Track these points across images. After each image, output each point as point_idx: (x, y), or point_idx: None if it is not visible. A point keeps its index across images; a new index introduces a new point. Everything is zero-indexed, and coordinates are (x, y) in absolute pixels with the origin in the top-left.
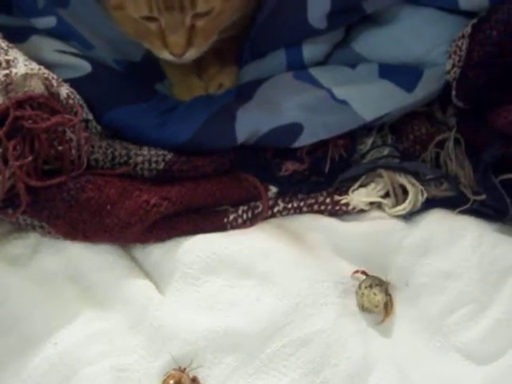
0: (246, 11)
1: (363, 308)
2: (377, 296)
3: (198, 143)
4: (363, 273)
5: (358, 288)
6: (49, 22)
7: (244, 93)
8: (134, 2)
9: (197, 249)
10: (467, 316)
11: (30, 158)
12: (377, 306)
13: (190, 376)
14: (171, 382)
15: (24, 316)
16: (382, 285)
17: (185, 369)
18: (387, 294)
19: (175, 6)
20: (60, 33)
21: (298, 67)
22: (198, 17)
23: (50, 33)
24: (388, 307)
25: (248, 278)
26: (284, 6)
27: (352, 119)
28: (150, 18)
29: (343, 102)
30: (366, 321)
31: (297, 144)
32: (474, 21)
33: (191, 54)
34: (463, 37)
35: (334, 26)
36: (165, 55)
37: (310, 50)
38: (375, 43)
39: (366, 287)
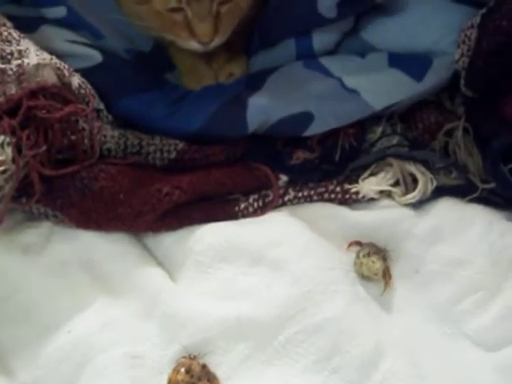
0: None
1: (363, 276)
2: (375, 264)
3: (209, 132)
4: (358, 243)
5: (356, 258)
6: (59, 11)
7: (254, 82)
8: None
9: (208, 237)
10: (477, 303)
11: (43, 148)
12: (376, 274)
13: (200, 363)
14: (182, 369)
15: (37, 304)
16: (380, 252)
17: (195, 356)
18: (385, 261)
19: None
20: (70, 23)
21: (308, 56)
22: (222, 4)
23: (61, 23)
24: (387, 275)
25: (259, 265)
26: None
27: (362, 108)
28: (176, 9)
29: (353, 91)
30: (377, 308)
31: (307, 133)
32: (483, 10)
33: (217, 42)
34: (472, 27)
35: (343, 15)
36: (191, 45)
37: (320, 39)
38: (384, 32)
39: (364, 256)
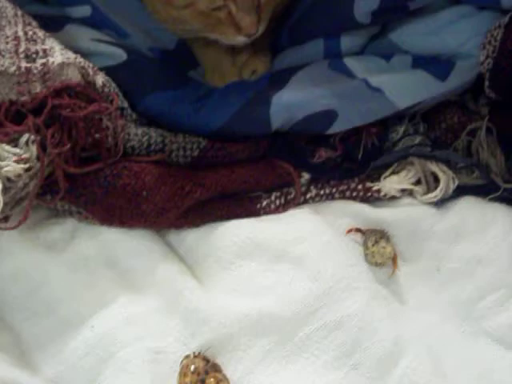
0: None
1: (376, 264)
2: (386, 248)
3: (233, 129)
4: (358, 230)
5: (365, 249)
6: (84, 10)
7: (278, 80)
8: None
9: (231, 233)
10: (498, 301)
11: (68, 146)
12: (389, 258)
13: (202, 357)
14: (188, 371)
15: (62, 300)
16: (384, 236)
17: (199, 353)
18: (390, 242)
19: None
20: (95, 21)
21: (334, 56)
22: None
23: (85, 22)
24: (395, 255)
25: (281, 262)
26: None
27: (386, 107)
28: (219, 7)
29: (377, 90)
30: (398, 305)
31: (331, 131)
32: None
33: (260, 32)
34: (499, 27)
35: (376, 21)
36: (237, 40)
37: (348, 41)
38: (412, 34)
39: (373, 245)
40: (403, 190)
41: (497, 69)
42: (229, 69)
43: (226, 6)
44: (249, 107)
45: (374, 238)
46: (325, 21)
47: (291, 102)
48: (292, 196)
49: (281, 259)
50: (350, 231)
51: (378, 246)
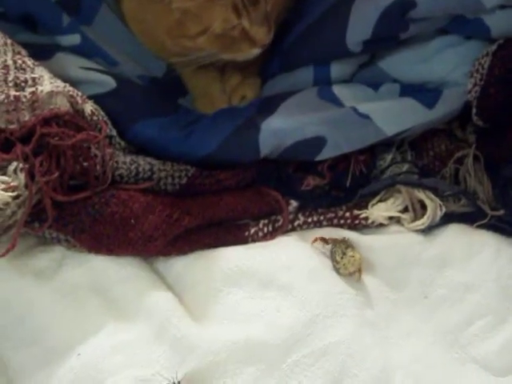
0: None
1: (350, 274)
2: (355, 256)
3: (222, 156)
4: (323, 240)
5: (335, 263)
6: (73, 39)
7: (268, 106)
8: (222, 15)
9: (219, 261)
10: (485, 328)
11: (56, 174)
12: (360, 263)
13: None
14: None
15: (49, 328)
16: (348, 244)
17: (179, 382)
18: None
19: None
20: (84, 50)
21: (324, 83)
22: (268, 2)
23: (75, 50)
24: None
25: (269, 289)
26: (324, 25)
27: (374, 133)
28: (233, 27)
29: (366, 117)
30: (386, 332)
31: (320, 157)
32: (501, 41)
33: (270, 39)
34: (487, 55)
35: (367, 51)
36: (253, 53)
37: (338, 69)
38: (400, 62)
39: (341, 257)
40: (391, 218)
41: (484, 96)
42: (218, 95)
43: (239, 23)
44: (238, 133)
45: (340, 250)
46: (316, 48)
47: (280, 129)
48: (280, 223)
49: (268, 287)
50: (315, 241)
51: (346, 257)
